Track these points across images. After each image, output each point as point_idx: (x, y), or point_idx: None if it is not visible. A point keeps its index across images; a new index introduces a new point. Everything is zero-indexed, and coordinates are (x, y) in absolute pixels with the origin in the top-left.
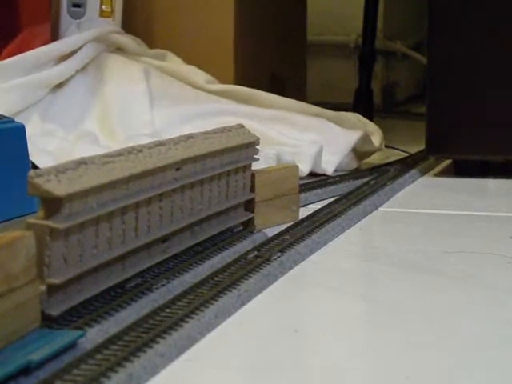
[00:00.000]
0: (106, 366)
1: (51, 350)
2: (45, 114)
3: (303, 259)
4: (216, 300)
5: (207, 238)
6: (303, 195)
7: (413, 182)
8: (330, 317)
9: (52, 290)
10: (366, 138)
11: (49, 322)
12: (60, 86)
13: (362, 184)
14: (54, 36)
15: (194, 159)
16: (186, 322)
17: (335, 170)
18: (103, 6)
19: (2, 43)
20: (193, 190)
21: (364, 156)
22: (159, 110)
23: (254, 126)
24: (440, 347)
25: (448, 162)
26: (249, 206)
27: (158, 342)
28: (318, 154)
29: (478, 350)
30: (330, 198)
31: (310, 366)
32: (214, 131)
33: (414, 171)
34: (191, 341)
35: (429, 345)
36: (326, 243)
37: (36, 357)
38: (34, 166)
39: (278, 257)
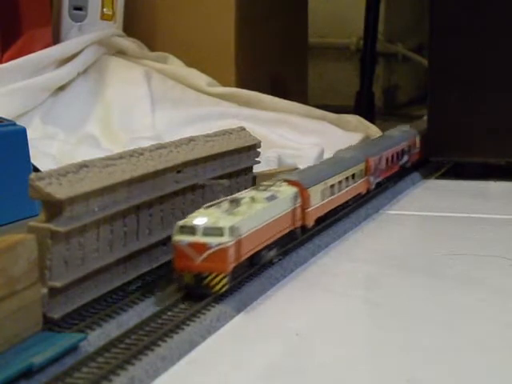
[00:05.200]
0: (107, 369)
1: (53, 353)
2: (46, 117)
3: (305, 262)
4: (217, 303)
5: None
6: None
7: (414, 184)
8: (332, 320)
9: (53, 292)
10: (367, 141)
11: (50, 324)
12: (61, 89)
13: None
14: (56, 39)
15: (195, 162)
16: (188, 325)
17: None
18: (104, 9)
19: (4, 46)
20: (194, 193)
21: None
22: (160, 113)
23: (256, 129)
24: (441, 350)
25: (449, 164)
26: None
27: (159, 345)
28: (320, 157)
29: (479, 353)
30: None
31: (311, 370)
32: (216, 134)
33: (415, 174)
34: (192, 344)
35: (430, 348)
36: (327, 246)
37: (38, 360)
38: (36, 169)
39: (280, 259)
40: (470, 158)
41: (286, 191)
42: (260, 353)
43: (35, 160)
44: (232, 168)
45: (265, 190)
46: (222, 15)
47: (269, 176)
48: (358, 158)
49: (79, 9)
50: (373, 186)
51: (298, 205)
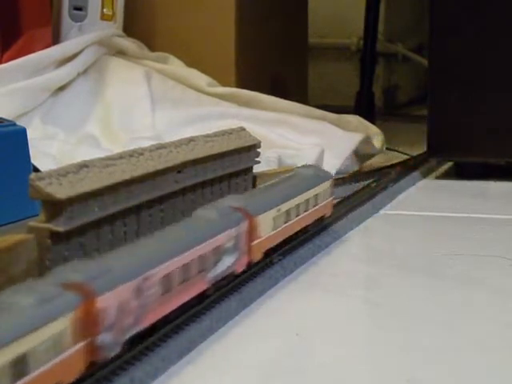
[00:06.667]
0: (108, 370)
1: None
2: (46, 117)
3: (305, 262)
4: (217, 303)
5: None
6: None
7: (414, 184)
8: (332, 319)
9: None
10: (367, 141)
11: None
12: (61, 89)
13: (363, 186)
14: (56, 39)
15: (195, 162)
16: (188, 325)
17: (336, 173)
18: (104, 9)
19: (4, 46)
20: (194, 193)
21: (365, 158)
22: (160, 113)
23: (256, 129)
24: (441, 350)
25: (449, 164)
26: None
27: (159, 346)
28: (320, 157)
29: (479, 353)
30: None
31: (311, 370)
32: (216, 134)
33: (415, 174)
34: (193, 344)
35: (430, 348)
36: (327, 246)
37: None
38: (36, 169)
39: (280, 259)
40: (470, 158)
41: None
42: (260, 352)
43: (35, 160)
44: (232, 168)
45: None
46: (222, 15)
47: (269, 176)
48: (63, 301)
49: (79, 9)
50: (111, 353)
51: None
